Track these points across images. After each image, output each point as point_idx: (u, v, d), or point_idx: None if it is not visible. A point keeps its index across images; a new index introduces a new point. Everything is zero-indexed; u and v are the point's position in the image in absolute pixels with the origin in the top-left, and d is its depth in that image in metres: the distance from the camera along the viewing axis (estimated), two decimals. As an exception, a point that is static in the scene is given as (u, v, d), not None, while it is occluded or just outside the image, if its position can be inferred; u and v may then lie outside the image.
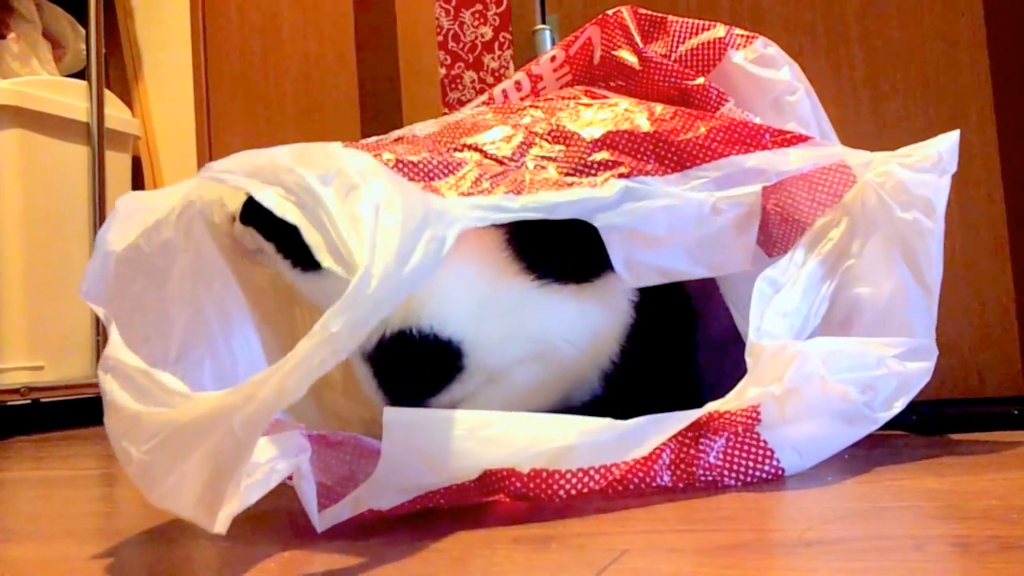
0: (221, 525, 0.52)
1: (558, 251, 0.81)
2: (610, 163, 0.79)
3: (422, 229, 0.63)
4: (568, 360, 0.80)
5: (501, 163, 0.78)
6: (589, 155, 0.79)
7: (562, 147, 0.81)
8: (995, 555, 0.49)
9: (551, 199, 0.74)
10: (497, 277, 0.78)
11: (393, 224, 0.60)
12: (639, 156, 0.80)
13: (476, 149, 0.79)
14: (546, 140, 0.81)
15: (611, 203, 0.76)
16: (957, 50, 1.16)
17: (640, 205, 0.77)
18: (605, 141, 0.80)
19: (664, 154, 0.80)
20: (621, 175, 0.78)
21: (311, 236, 0.60)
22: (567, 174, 0.78)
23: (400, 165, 0.73)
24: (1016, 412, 0.94)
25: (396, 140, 0.83)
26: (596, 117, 0.84)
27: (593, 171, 0.78)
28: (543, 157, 0.80)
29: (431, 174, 0.73)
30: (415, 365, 0.76)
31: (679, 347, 0.90)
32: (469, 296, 0.76)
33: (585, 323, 0.81)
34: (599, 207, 0.76)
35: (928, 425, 0.92)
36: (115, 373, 0.60)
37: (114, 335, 0.63)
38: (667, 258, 0.79)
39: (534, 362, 0.80)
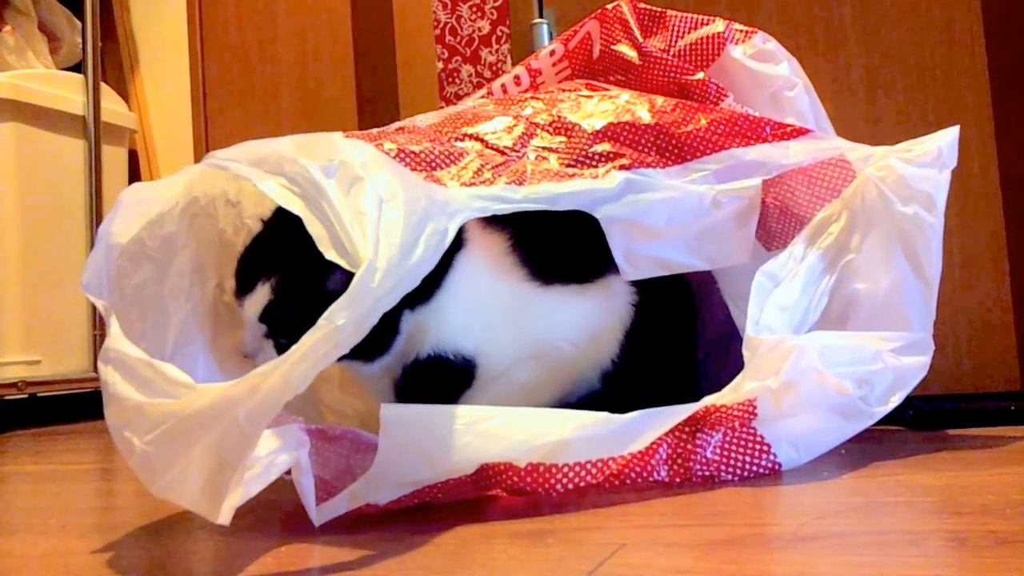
0: (225, 516, 0.52)
1: (560, 253, 0.81)
2: (611, 154, 0.79)
3: (424, 222, 0.63)
4: (568, 359, 0.81)
5: (502, 153, 0.78)
6: (590, 146, 0.79)
7: (563, 138, 0.81)
8: (991, 550, 0.49)
9: (553, 190, 0.74)
10: (504, 284, 0.78)
11: (396, 218, 0.60)
12: (640, 148, 0.80)
13: (477, 139, 0.79)
14: (547, 131, 0.81)
15: (613, 195, 0.76)
16: (954, 45, 1.16)
17: (641, 197, 0.77)
18: (606, 132, 0.80)
19: (665, 146, 0.80)
20: (622, 167, 0.78)
21: (314, 228, 0.60)
22: (568, 165, 0.78)
23: (402, 155, 0.73)
24: (1013, 408, 0.94)
25: (397, 130, 0.83)
26: (597, 108, 0.84)
27: (594, 162, 0.78)
28: (544, 148, 0.80)
29: (433, 164, 0.73)
30: (437, 387, 0.77)
31: (679, 345, 0.90)
32: (481, 309, 0.77)
33: (586, 323, 0.81)
34: (601, 199, 0.76)
35: (924, 420, 0.92)
36: (116, 364, 0.60)
37: (114, 327, 0.63)
38: (667, 250, 0.79)
39: (533, 361, 0.80)
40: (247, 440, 0.52)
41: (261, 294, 0.73)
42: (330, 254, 0.59)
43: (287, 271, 0.72)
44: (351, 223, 0.59)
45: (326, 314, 0.54)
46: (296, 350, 0.53)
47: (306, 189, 0.62)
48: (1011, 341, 1.12)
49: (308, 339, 0.53)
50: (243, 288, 0.75)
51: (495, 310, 0.78)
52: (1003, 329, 1.12)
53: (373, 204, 0.60)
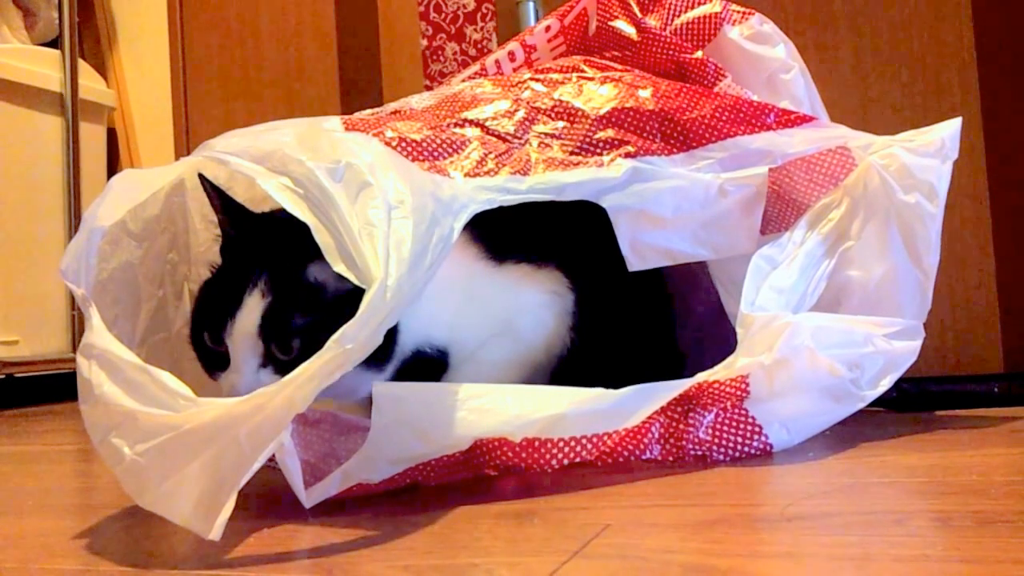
0: (216, 532, 0.51)
1: (508, 235, 0.81)
2: (616, 141, 0.78)
3: (432, 230, 0.61)
4: (531, 335, 0.81)
5: (504, 140, 0.77)
6: (594, 133, 0.78)
7: (566, 123, 0.79)
8: (975, 530, 0.49)
9: (559, 180, 0.73)
10: (460, 265, 0.77)
11: (405, 229, 0.59)
12: (645, 134, 0.79)
13: (477, 124, 0.78)
14: (549, 116, 0.80)
15: (619, 184, 0.76)
16: (942, 24, 1.16)
17: (648, 186, 0.76)
18: (610, 118, 0.79)
19: (670, 133, 0.80)
20: (627, 154, 0.77)
21: (322, 237, 0.59)
22: (572, 152, 0.77)
23: (403, 144, 0.71)
24: (996, 389, 0.95)
25: (393, 113, 0.81)
26: (599, 92, 0.82)
27: (599, 150, 0.77)
28: (547, 134, 0.78)
29: (436, 153, 0.72)
30: (419, 380, 0.76)
31: (641, 330, 0.90)
32: (446, 293, 0.76)
33: (543, 301, 0.81)
34: (607, 188, 0.75)
35: (910, 402, 0.93)
36: (102, 363, 0.58)
37: (95, 319, 0.61)
38: (672, 240, 0.79)
39: (500, 339, 0.80)
40: (246, 459, 0.52)
41: (253, 303, 0.65)
42: (339, 267, 0.58)
43: (275, 267, 0.66)
44: (360, 234, 0.57)
45: (336, 336, 0.53)
46: (304, 371, 0.52)
47: (312, 192, 0.60)
48: (995, 324, 1.12)
49: (317, 360, 0.53)
50: (223, 313, 0.65)
51: (458, 292, 0.77)
52: (988, 312, 1.13)
53: (382, 215, 0.58)
